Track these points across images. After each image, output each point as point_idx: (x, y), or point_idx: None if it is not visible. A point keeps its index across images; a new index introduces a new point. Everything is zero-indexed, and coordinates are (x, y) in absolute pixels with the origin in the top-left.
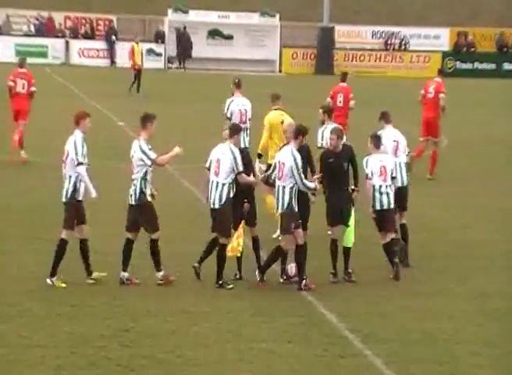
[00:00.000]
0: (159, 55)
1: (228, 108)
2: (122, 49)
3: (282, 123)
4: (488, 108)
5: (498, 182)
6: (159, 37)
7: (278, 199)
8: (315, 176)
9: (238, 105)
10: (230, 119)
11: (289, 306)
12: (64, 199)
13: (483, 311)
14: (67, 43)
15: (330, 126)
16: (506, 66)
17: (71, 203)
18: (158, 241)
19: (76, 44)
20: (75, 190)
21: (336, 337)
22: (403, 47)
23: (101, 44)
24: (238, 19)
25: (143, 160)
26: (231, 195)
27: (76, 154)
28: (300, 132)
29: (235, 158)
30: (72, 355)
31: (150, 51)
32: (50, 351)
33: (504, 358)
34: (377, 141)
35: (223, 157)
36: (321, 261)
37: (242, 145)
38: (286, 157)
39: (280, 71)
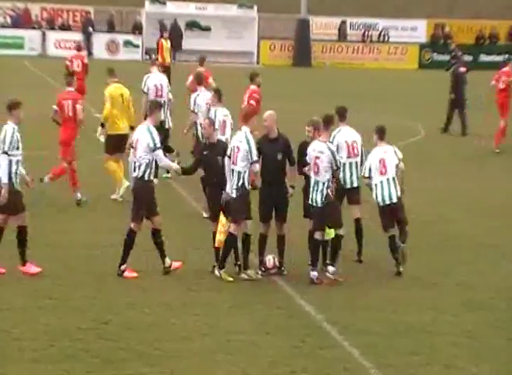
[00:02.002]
0: (137, 46)
1: (145, 84)
2: (99, 41)
3: (121, 95)
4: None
5: (480, 176)
6: (137, 29)
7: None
8: (306, 168)
9: (154, 81)
10: (147, 93)
11: (268, 298)
12: (235, 194)
13: (463, 302)
14: (44, 34)
15: (203, 93)
16: (483, 57)
17: (244, 195)
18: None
19: (53, 36)
20: (244, 183)
21: (314, 329)
22: (381, 39)
23: (77, 36)
24: (216, 11)
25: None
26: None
27: (251, 152)
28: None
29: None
30: (50, 347)
31: (127, 43)
32: (28, 344)
33: (483, 349)
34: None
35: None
36: (299, 253)
37: (167, 125)
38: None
39: (258, 63)
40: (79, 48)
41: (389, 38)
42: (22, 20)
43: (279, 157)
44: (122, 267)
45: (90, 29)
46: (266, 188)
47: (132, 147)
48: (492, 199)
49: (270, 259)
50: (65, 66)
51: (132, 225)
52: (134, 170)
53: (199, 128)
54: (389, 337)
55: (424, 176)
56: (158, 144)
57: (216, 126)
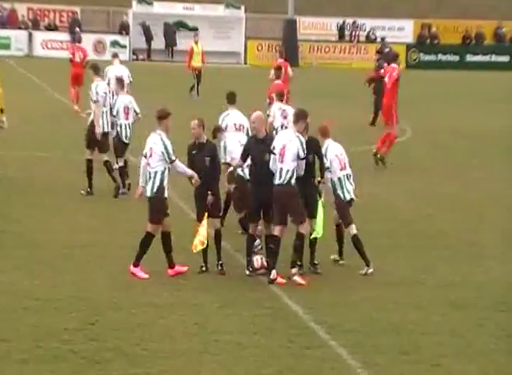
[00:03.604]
0: (124, 46)
1: (106, 75)
2: (86, 41)
3: None
4: (452, 99)
5: (461, 173)
6: (123, 29)
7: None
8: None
9: (114, 72)
10: (108, 84)
11: (255, 298)
12: (350, 197)
13: (448, 301)
14: (30, 35)
15: (101, 83)
16: (469, 57)
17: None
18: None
19: (39, 36)
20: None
21: (301, 329)
22: (369, 38)
23: (64, 36)
24: (203, 11)
25: None
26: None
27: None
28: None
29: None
30: (37, 348)
31: (114, 43)
32: (14, 344)
33: (468, 347)
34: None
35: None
36: (287, 252)
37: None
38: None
39: (245, 63)
40: (79, 41)
41: (376, 38)
42: (8, 20)
43: (267, 157)
44: (272, 275)
45: (77, 29)
46: (254, 189)
47: (273, 153)
48: (471, 197)
49: (258, 259)
50: (68, 59)
51: (275, 230)
52: (280, 176)
53: (103, 117)
54: (376, 337)
55: (406, 174)
56: (305, 155)
57: (119, 113)
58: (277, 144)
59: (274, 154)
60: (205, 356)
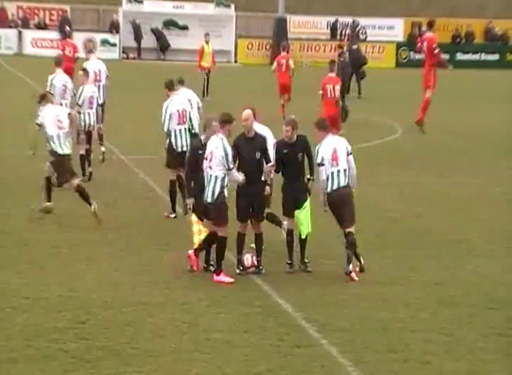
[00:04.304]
0: (114, 45)
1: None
2: (76, 40)
3: None
4: (442, 98)
5: (450, 171)
6: (113, 28)
7: None
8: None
9: (92, 67)
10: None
11: (245, 296)
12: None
13: (437, 299)
14: (20, 33)
15: (60, 75)
16: (459, 56)
17: None
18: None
19: (29, 35)
20: None
21: (291, 327)
22: (361, 37)
23: (54, 35)
24: (193, 10)
25: None
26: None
27: None
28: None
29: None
30: (26, 347)
31: (104, 42)
32: (4, 343)
33: (457, 345)
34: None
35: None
36: (277, 251)
37: (101, 100)
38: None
39: (236, 61)
40: (69, 37)
41: (366, 37)
42: None
43: (257, 156)
44: (351, 267)
45: (67, 28)
46: (243, 187)
47: (322, 164)
48: (460, 195)
49: (248, 258)
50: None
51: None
52: (338, 179)
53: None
54: (366, 335)
55: (395, 172)
56: (351, 150)
57: (84, 103)
58: (325, 153)
59: (322, 165)
60: (196, 355)
